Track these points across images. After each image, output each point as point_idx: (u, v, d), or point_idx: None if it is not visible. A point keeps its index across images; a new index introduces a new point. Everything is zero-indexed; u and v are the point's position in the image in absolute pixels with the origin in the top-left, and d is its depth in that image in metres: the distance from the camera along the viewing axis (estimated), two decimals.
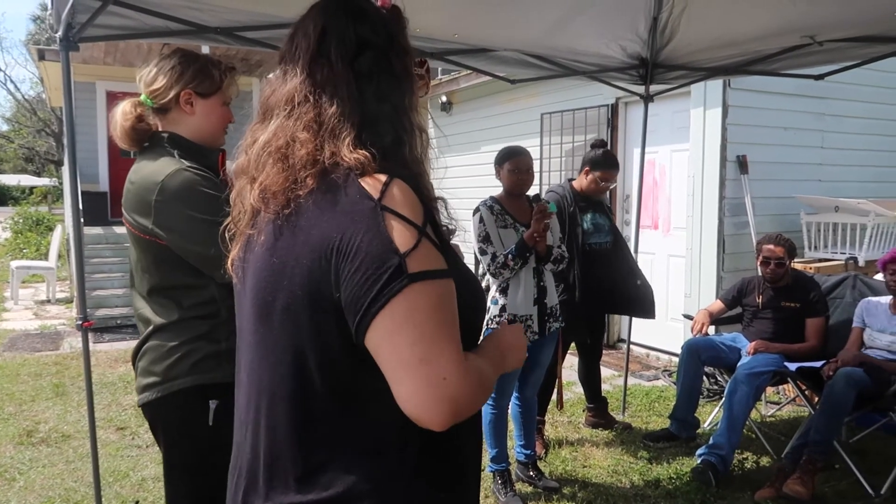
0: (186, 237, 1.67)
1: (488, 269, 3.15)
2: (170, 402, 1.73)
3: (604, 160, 3.92)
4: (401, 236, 0.90)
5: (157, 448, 1.86)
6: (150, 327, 1.75)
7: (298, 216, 0.95)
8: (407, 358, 0.88)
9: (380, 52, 1.02)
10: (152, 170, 1.71)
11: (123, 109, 1.78)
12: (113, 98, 10.27)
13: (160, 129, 1.82)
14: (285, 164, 0.97)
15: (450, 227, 1.05)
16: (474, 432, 1.08)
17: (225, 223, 1.10)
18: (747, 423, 3.70)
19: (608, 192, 4.30)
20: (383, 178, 0.94)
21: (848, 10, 3.10)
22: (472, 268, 1.44)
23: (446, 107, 8.63)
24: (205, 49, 8.43)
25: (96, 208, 9.84)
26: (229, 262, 1.09)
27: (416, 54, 1.11)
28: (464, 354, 0.92)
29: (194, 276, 1.71)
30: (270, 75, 1.10)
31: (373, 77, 1.01)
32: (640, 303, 4.10)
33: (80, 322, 2.73)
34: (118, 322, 7.37)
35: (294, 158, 0.96)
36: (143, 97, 1.79)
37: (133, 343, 1.84)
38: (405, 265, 0.88)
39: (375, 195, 0.92)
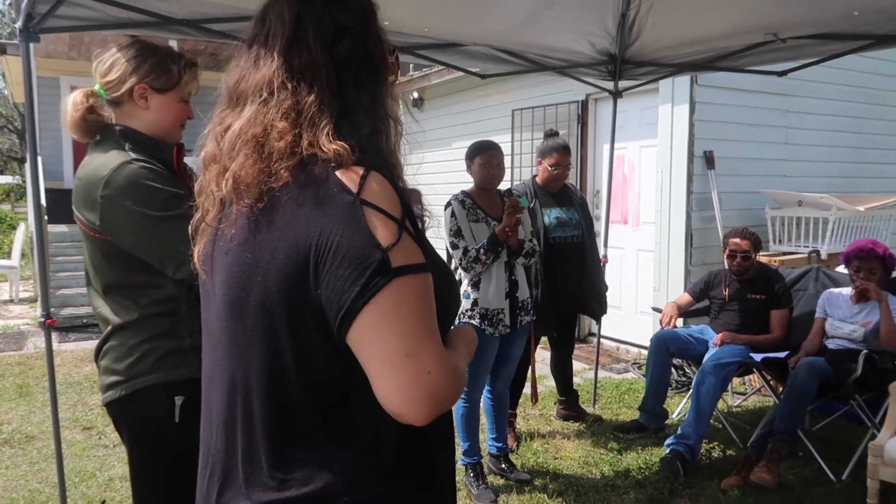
0: (133, 233, 1.63)
1: (460, 264, 3.15)
2: (133, 400, 1.69)
3: (551, 147, 3.94)
4: (382, 231, 0.88)
5: (123, 448, 1.83)
6: (110, 327, 1.72)
7: (273, 210, 0.92)
8: (391, 353, 0.86)
9: (357, 38, 0.99)
10: (99, 164, 1.66)
11: (74, 99, 1.72)
12: None
13: (114, 121, 1.75)
14: (261, 153, 0.93)
15: (425, 217, 1.03)
16: (448, 429, 1.08)
17: (194, 217, 1.06)
18: (714, 413, 3.77)
19: (579, 189, 4.33)
20: (360, 170, 0.91)
21: (809, 8, 3.16)
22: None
23: (418, 103, 8.63)
24: (172, 43, 8.31)
25: (61, 206, 9.56)
26: (195, 256, 1.05)
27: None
28: (443, 349, 0.91)
29: (149, 272, 1.66)
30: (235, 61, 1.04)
31: (351, 65, 0.98)
32: (598, 302, 4.18)
33: (43, 320, 2.67)
34: (84, 321, 7.22)
35: (270, 148, 0.93)
36: (97, 87, 1.73)
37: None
38: (388, 260, 0.87)
39: (354, 189, 0.89)
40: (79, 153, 10.68)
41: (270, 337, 0.92)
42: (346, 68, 0.97)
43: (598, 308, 4.22)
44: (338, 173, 0.91)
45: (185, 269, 1.56)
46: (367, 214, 0.88)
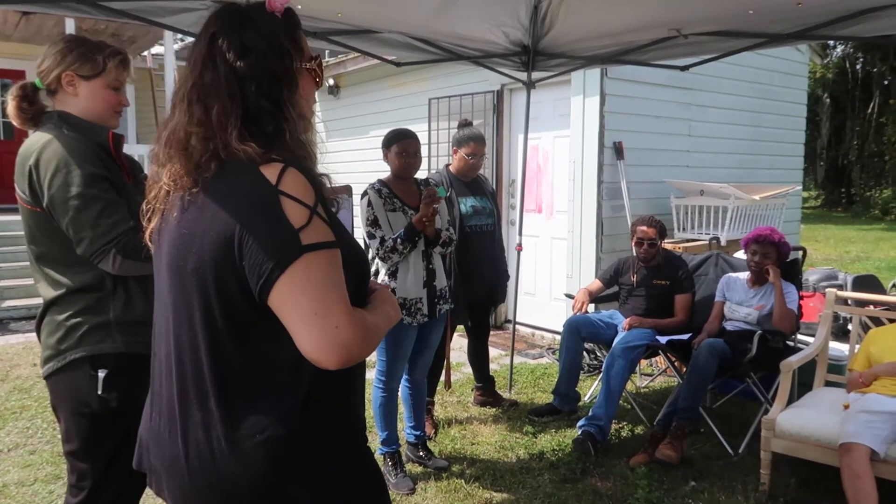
0: (50, 202, 1.78)
1: (377, 254, 3.13)
2: (63, 373, 1.85)
3: (467, 136, 3.99)
4: (295, 215, 1.09)
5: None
6: (44, 303, 1.88)
7: (205, 195, 1.13)
8: (304, 313, 1.07)
9: (260, 54, 1.17)
10: (34, 139, 1.83)
11: (11, 92, 1.90)
12: None
13: (54, 108, 1.93)
14: (186, 153, 1.15)
15: (338, 201, 1.24)
16: (360, 371, 1.31)
17: (144, 201, 1.25)
18: (623, 394, 3.93)
19: (492, 177, 4.39)
20: (280, 166, 1.11)
21: (709, 6, 3.31)
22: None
23: (334, 90, 8.48)
24: (69, 21, 7.83)
25: None
26: (147, 233, 1.25)
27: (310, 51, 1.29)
28: (351, 308, 1.11)
29: (72, 248, 1.81)
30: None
31: (254, 77, 1.16)
32: (502, 289, 4.28)
33: None
34: None
35: (192, 149, 1.15)
36: (36, 80, 1.91)
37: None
38: (299, 239, 1.08)
39: (273, 181, 1.10)
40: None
41: (204, 296, 1.12)
42: (248, 81, 1.16)
43: (498, 296, 4.31)
44: (262, 168, 1.11)
45: (83, 249, 1.79)
46: (282, 202, 1.09)
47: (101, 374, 1.82)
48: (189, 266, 1.13)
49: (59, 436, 2.01)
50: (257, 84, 1.16)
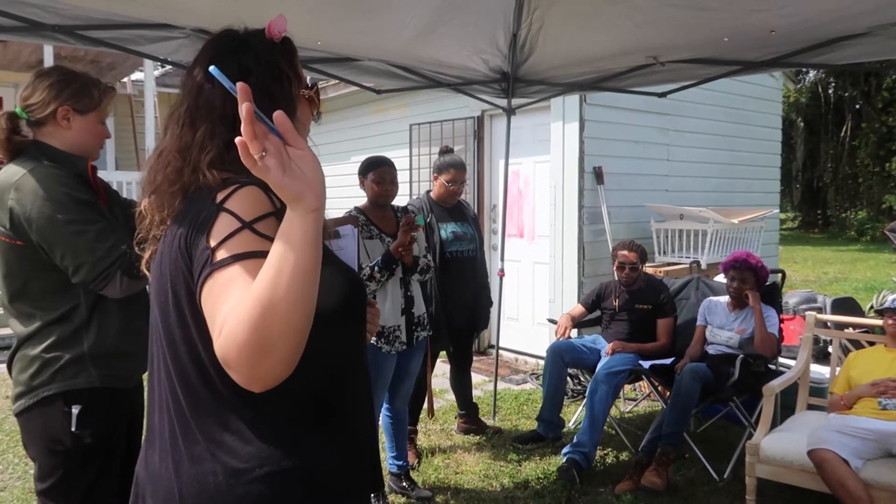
0: (37, 233, 1.75)
1: None
2: (34, 410, 1.80)
3: (447, 163, 3.99)
4: (219, 229, 1.02)
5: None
6: (17, 339, 1.84)
7: (174, 220, 1.10)
8: (213, 321, 0.96)
9: (259, 77, 1.14)
10: (11, 171, 1.80)
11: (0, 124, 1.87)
12: None
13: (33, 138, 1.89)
14: (163, 176, 1.14)
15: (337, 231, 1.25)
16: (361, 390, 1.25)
17: (138, 228, 1.22)
18: (607, 419, 3.90)
19: (474, 202, 4.39)
20: (235, 186, 1.07)
21: (686, 34, 3.37)
22: None
23: (315, 116, 8.47)
24: (47, 49, 7.78)
25: None
26: (143, 263, 1.21)
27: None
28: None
29: (54, 279, 1.79)
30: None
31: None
32: (484, 315, 4.27)
33: None
34: None
35: (167, 174, 1.13)
36: (17, 110, 1.87)
37: None
38: (213, 253, 0.99)
39: (220, 199, 1.06)
40: None
41: (182, 326, 1.07)
42: None
43: (480, 322, 4.30)
44: (218, 193, 1.07)
45: (83, 274, 1.76)
46: (218, 217, 1.03)
47: (75, 409, 1.79)
48: (164, 298, 1.11)
49: (32, 472, 1.95)
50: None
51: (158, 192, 1.14)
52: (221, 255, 0.99)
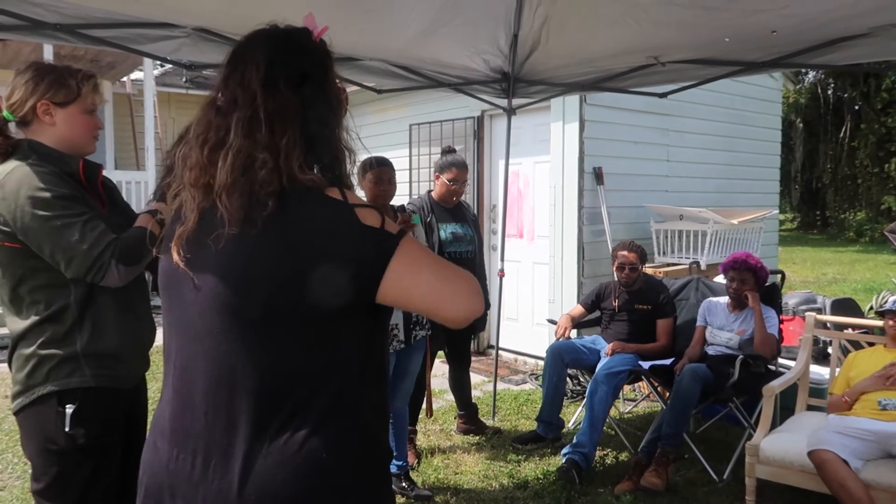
0: (23, 231, 1.72)
1: None
2: (30, 409, 1.80)
3: (449, 162, 4.00)
4: (370, 219, 1.10)
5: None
6: (13, 338, 1.84)
7: (266, 228, 1.07)
8: (435, 285, 1.12)
9: (317, 82, 1.17)
10: None
11: None
12: None
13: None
14: (249, 180, 1.09)
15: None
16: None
17: (165, 220, 1.24)
18: (607, 420, 3.90)
19: (473, 202, 4.39)
20: (337, 189, 1.12)
21: (687, 34, 3.36)
22: None
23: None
24: (47, 47, 7.77)
25: None
26: (174, 256, 1.14)
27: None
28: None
29: (46, 278, 1.77)
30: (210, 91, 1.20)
31: (314, 104, 1.15)
32: (482, 316, 4.27)
33: None
34: None
35: (254, 176, 1.09)
36: (5, 113, 1.84)
37: None
38: (387, 231, 1.10)
39: (340, 199, 1.10)
40: None
41: (270, 336, 1.08)
42: (310, 107, 1.15)
43: (478, 323, 4.28)
44: (326, 191, 1.11)
45: (76, 267, 1.73)
46: (357, 213, 1.09)
47: (69, 409, 1.77)
48: (256, 307, 1.07)
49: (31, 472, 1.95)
50: (315, 112, 1.15)
51: (237, 192, 1.09)
52: (393, 229, 1.12)
